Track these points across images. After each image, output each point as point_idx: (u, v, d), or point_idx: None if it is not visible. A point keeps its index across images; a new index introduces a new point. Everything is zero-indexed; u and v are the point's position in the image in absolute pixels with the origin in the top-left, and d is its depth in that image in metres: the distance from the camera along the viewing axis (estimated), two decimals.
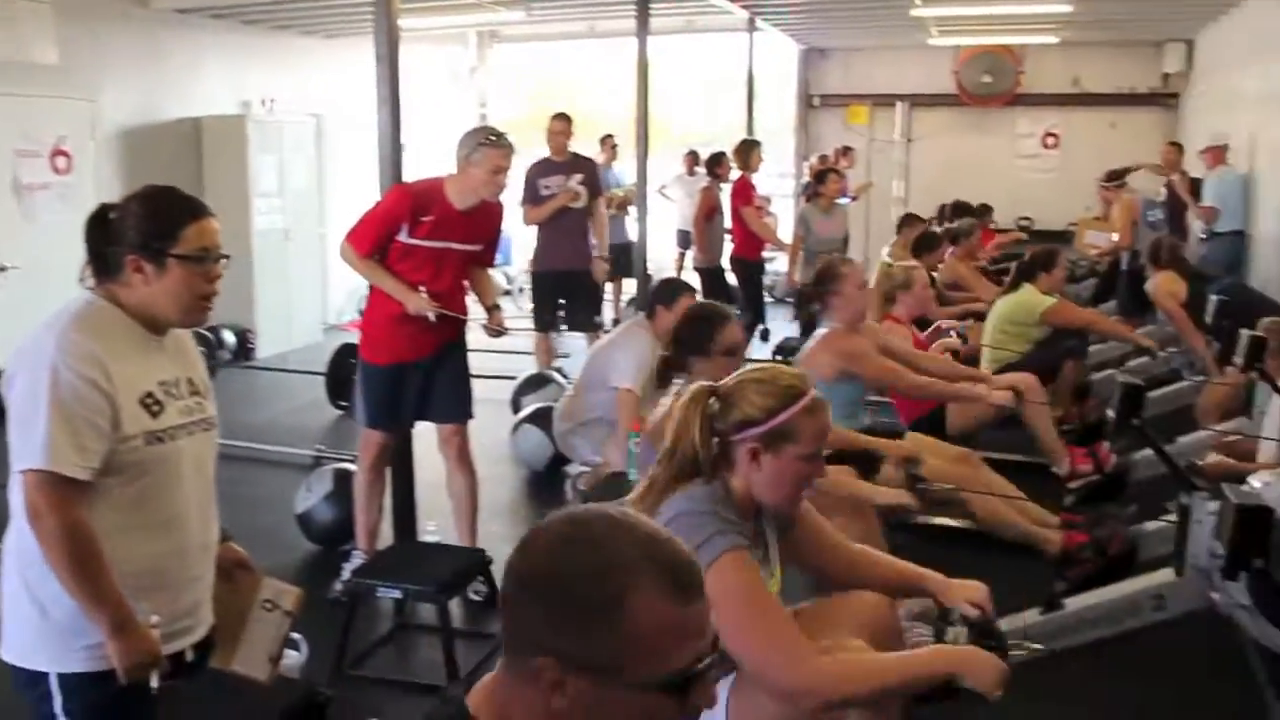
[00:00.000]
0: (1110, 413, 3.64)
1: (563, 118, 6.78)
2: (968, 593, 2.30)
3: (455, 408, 4.12)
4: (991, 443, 5.29)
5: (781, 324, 9.47)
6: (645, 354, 4.35)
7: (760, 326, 8.90)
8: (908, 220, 8.85)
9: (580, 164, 6.81)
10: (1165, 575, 3.09)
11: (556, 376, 6.44)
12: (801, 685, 1.92)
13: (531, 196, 6.64)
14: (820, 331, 4.29)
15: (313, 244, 9.43)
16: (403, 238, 3.82)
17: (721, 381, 2.15)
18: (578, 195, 6.63)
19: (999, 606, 3.15)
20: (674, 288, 4.67)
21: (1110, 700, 3.30)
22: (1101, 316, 6.89)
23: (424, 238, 3.82)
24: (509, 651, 1.23)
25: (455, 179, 3.87)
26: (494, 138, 3.87)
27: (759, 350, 8.50)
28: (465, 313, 4.09)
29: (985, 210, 9.59)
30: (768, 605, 1.99)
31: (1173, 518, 3.18)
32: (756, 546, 2.10)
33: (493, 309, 4.16)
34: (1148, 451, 4.18)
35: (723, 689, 2.07)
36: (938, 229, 8.05)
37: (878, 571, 2.41)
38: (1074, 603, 3.15)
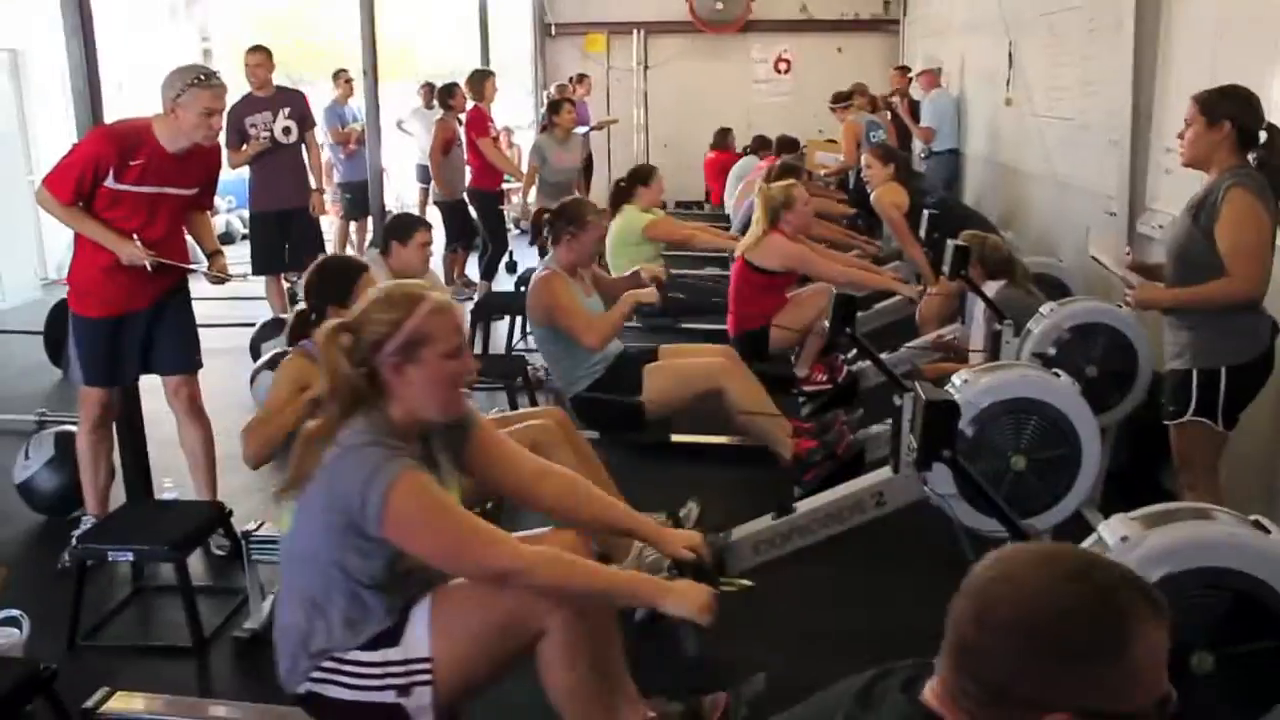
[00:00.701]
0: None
1: (259, 50, 6.49)
2: (684, 540, 2.38)
3: (180, 358, 3.92)
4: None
5: (527, 253, 9.47)
6: None
7: (506, 258, 8.88)
8: (785, 145, 8.99)
9: (287, 97, 6.55)
10: (884, 473, 3.31)
11: None
12: (507, 564, 2.00)
13: (238, 137, 6.33)
14: (539, 272, 4.38)
15: (20, 192, 8.63)
16: (110, 183, 3.57)
17: (346, 315, 2.18)
18: (288, 129, 6.39)
19: (741, 517, 3.35)
20: (409, 223, 4.58)
21: (844, 592, 3.54)
22: (702, 230, 6.94)
23: (134, 183, 3.60)
24: (990, 699, 1.16)
25: (163, 121, 3.63)
26: (203, 77, 3.62)
27: (506, 281, 8.49)
28: (187, 259, 3.89)
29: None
30: (453, 506, 2.06)
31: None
32: (426, 469, 2.14)
33: (214, 254, 3.96)
34: None
35: (421, 614, 2.11)
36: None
37: (587, 506, 2.42)
38: (804, 505, 3.34)
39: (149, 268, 3.64)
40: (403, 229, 4.46)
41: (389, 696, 2.08)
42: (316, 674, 2.12)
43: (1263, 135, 3.05)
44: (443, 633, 2.10)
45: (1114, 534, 1.99)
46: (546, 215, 4.52)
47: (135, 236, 3.63)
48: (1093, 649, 1.11)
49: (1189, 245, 3.12)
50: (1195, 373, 3.15)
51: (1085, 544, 2.06)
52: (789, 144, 9.30)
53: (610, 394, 4.41)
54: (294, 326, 3.39)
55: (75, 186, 3.55)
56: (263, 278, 6.80)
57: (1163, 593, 1.84)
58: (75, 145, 3.66)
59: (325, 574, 2.09)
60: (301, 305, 3.41)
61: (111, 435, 3.96)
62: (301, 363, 3.22)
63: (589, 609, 2.16)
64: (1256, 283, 3.00)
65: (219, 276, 3.94)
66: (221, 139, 3.95)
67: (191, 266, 3.91)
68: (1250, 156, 3.06)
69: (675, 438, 4.70)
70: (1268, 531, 1.95)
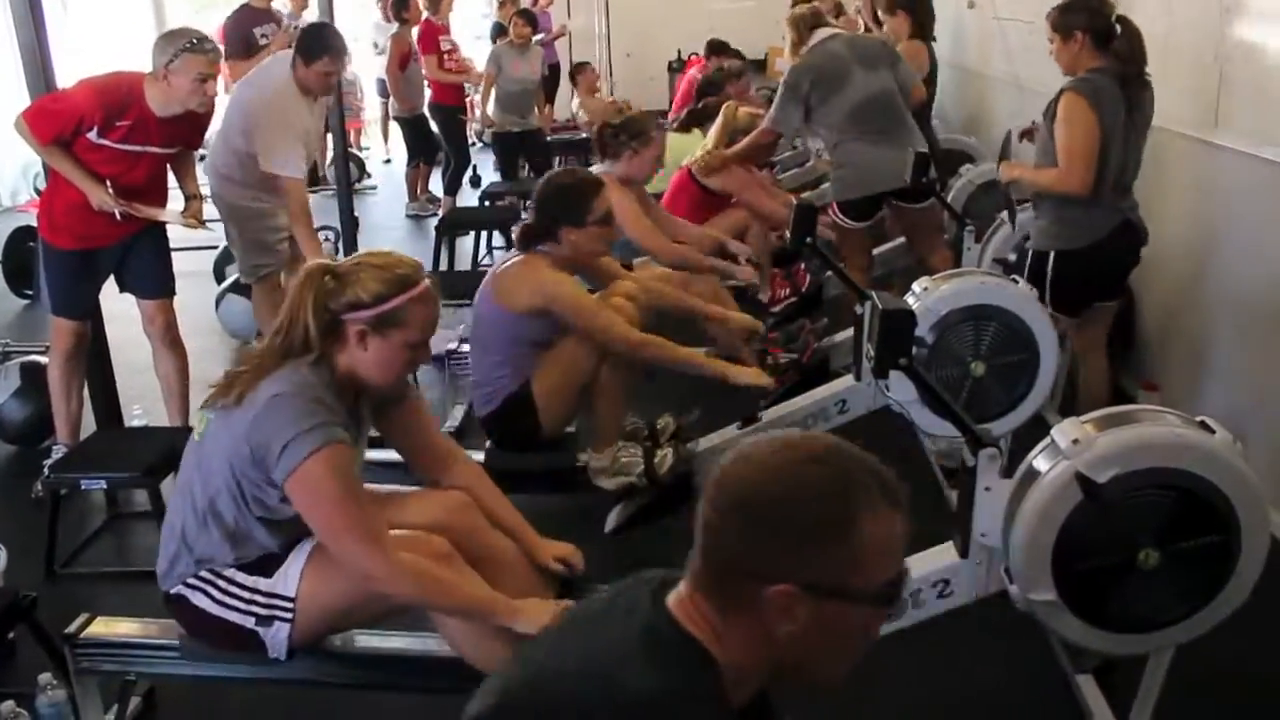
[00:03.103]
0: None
1: None
2: (556, 551, 2.45)
3: (156, 284, 3.93)
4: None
5: (489, 168, 9.40)
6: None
7: (469, 172, 8.81)
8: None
9: (272, 12, 6.47)
10: (846, 381, 3.37)
11: None
12: (373, 567, 2.03)
13: (245, 46, 6.10)
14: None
15: None
16: (93, 137, 3.52)
17: (339, 261, 2.18)
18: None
19: (710, 427, 3.40)
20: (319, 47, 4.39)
21: None
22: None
23: (117, 141, 3.54)
24: (719, 576, 1.18)
25: (155, 85, 3.56)
26: (195, 41, 3.55)
27: (470, 196, 8.43)
28: (165, 201, 3.86)
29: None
30: (358, 497, 2.08)
31: None
32: (350, 426, 2.15)
33: (191, 198, 3.92)
34: None
35: (299, 556, 2.17)
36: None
37: (487, 497, 2.47)
38: (769, 414, 3.39)
39: (118, 217, 3.61)
40: (309, 51, 4.29)
41: (248, 622, 2.15)
42: (191, 580, 2.17)
43: (1118, 29, 3.28)
44: (312, 581, 2.15)
45: (1066, 437, 2.05)
46: (609, 128, 4.28)
47: (109, 183, 3.59)
48: (816, 522, 1.13)
49: (1046, 147, 3.39)
50: (1032, 254, 3.47)
51: (1039, 447, 2.13)
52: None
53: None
54: (523, 236, 3.27)
55: (56, 134, 3.51)
56: None
57: (1113, 492, 1.95)
58: (64, 92, 3.57)
59: (223, 489, 2.12)
60: (529, 219, 3.29)
61: (83, 365, 3.94)
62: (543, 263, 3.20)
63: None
64: (1079, 178, 3.25)
65: (192, 223, 3.90)
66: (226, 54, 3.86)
67: (163, 217, 3.85)
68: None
69: None
70: (1213, 432, 2.02)
